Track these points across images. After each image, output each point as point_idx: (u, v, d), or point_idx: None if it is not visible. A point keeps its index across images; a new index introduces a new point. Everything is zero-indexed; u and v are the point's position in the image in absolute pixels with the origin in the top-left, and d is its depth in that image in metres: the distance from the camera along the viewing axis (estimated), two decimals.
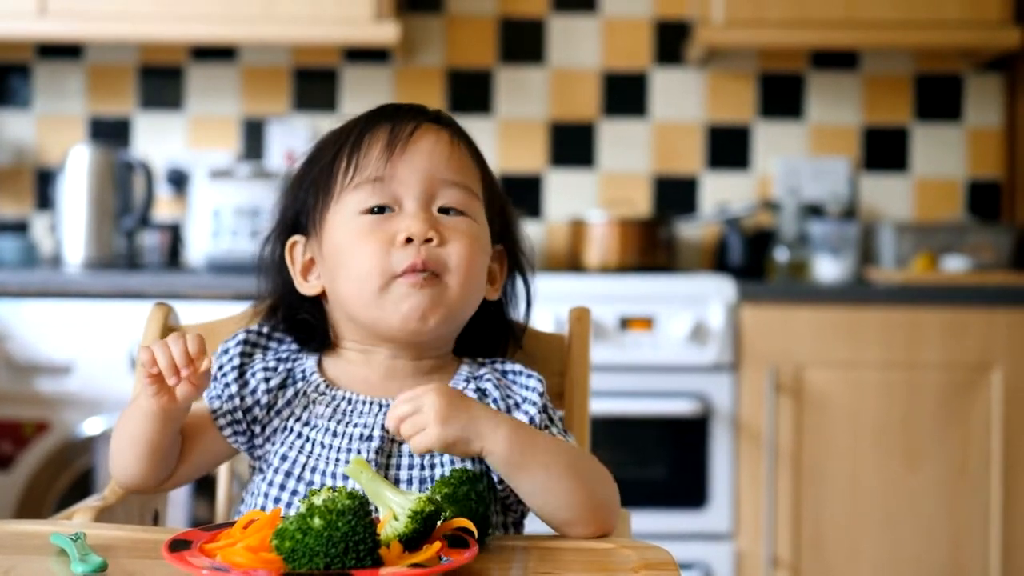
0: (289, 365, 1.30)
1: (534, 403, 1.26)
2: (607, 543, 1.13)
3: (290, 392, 1.28)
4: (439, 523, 1.04)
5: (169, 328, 1.46)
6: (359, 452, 1.22)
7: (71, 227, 3.08)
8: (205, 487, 2.62)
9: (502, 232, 1.35)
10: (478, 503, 1.09)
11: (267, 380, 1.28)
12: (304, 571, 0.96)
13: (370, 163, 1.26)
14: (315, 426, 1.25)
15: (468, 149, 1.32)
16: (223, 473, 1.52)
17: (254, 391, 1.27)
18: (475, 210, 1.29)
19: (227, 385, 1.28)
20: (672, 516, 2.81)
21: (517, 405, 1.26)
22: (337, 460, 1.23)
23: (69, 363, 2.75)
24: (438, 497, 1.08)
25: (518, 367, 1.31)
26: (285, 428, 1.26)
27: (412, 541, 1.00)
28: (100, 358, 2.73)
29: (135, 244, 3.20)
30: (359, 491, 1.02)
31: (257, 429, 1.28)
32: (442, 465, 1.22)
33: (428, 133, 1.28)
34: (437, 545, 1.00)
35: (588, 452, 1.26)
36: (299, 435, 1.25)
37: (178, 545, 1.01)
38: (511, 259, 1.37)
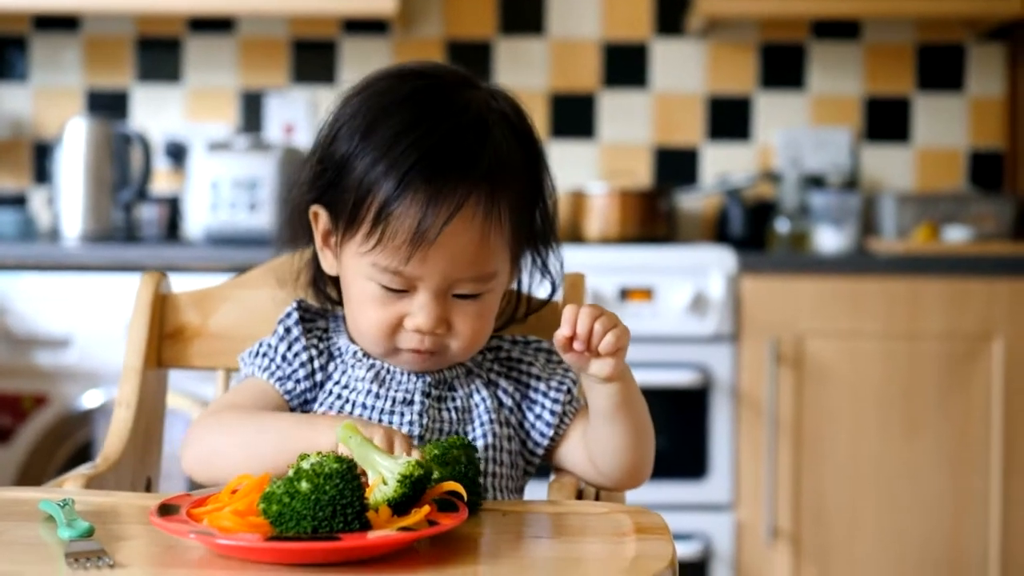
0: (327, 343, 1.30)
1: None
2: (600, 508, 1.13)
3: (331, 366, 1.29)
4: (428, 487, 1.03)
5: (160, 296, 1.45)
6: (402, 415, 1.24)
7: (69, 200, 3.07)
8: None
9: (533, 230, 1.28)
10: (468, 467, 1.08)
11: (320, 356, 1.29)
12: (291, 535, 0.95)
13: (391, 250, 1.18)
14: (355, 388, 1.26)
15: (509, 205, 1.21)
16: None
17: (315, 372, 1.28)
18: (495, 280, 1.24)
19: (302, 364, 1.28)
20: (672, 487, 2.81)
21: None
22: (380, 421, 1.24)
23: (67, 336, 2.74)
24: (428, 458, 1.07)
25: (532, 337, 1.34)
26: (325, 391, 1.28)
27: (401, 505, 0.99)
28: (98, 331, 2.73)
29: (133, 217, 3.19)
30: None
31: (310, 400, 1.29)
32: (482, 436, 1.26)
33: (459, 228, 1.17)
34: (426, 509, 0.99)
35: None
36: (338, 396, 1.27)
37: (166, 510, 1.01)
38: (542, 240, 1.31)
